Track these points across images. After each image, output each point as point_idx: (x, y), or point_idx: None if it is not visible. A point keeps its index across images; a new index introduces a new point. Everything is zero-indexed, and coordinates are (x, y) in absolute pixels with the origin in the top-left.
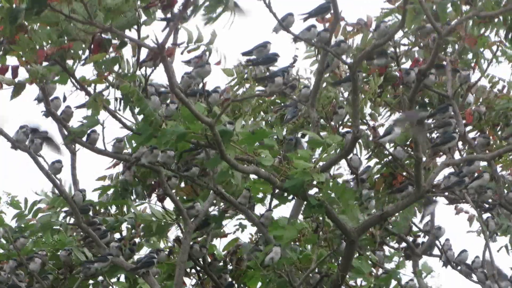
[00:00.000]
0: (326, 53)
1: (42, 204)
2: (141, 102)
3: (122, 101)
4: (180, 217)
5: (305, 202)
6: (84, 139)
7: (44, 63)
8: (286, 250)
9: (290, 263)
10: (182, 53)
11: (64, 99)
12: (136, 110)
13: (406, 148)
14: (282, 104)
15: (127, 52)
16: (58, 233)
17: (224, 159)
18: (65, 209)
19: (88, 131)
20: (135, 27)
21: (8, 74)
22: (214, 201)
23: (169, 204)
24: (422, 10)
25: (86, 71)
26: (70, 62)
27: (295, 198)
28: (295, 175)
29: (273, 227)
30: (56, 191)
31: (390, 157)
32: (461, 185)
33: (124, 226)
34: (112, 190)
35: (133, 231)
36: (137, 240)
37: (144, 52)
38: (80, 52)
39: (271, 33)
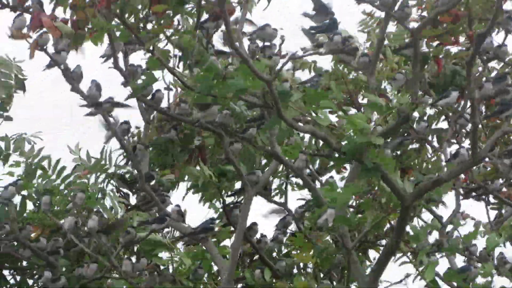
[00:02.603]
0: (389, 18)
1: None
2: (203, 55)
3: (180, 59)
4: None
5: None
6: (149, 98)
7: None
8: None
9: (347, 224)
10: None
11: (125, 54)
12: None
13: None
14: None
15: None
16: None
17: (281, 117)
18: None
19: (153, 91)
20: None
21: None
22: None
23: None
24: None
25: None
26: None
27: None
28: (353, 135)
29: (327, 190)
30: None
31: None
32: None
33: None
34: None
35: None
36: None
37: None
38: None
39: None
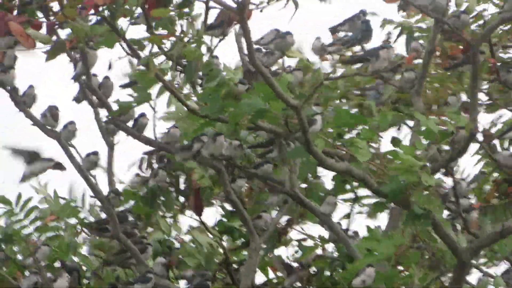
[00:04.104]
0: (440, 26)
1: (42, 204)
2: (212, 69)
3: (181, 74)
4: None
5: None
6: (130, 124)
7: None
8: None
9: (389, 284)
10: (261, 11)
11: (110, 67)
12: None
13: None
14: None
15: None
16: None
17: (310, 151)
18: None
19: (136, 116)
20: None
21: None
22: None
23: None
24: None
25: (136, 34)
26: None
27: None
28: (399, 175)
29: (364, 240)
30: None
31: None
32: None
33: None
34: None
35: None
36: None
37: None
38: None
39: None
